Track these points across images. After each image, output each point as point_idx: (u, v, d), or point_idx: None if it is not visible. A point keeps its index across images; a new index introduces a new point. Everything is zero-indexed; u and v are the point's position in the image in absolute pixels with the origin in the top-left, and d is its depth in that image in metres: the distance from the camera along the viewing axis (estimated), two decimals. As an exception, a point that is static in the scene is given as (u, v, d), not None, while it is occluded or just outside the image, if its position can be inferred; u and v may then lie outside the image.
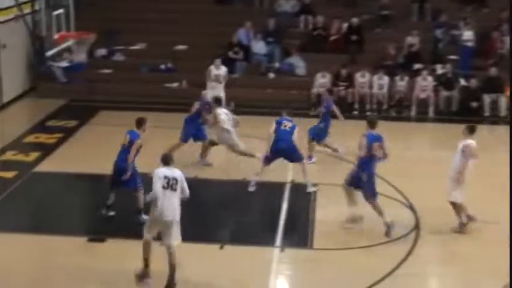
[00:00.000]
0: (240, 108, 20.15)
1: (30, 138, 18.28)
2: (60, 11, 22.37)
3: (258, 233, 13.16)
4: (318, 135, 16.70)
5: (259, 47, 22.97)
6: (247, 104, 20.65)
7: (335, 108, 17.05)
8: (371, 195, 12.76)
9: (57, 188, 15.07)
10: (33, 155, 16.87)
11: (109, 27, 23.59)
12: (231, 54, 22.52)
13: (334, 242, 12.60)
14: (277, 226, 13.25)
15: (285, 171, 15.60)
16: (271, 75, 22.55)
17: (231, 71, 21.84)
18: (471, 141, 12.60)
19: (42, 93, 22.21)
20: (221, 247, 12.37)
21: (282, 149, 14.61)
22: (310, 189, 14.72)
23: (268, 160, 14.75)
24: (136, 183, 13.08)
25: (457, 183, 12.58)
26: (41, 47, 22.32)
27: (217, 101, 16.20)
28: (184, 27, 23.84)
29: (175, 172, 10.88)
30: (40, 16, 22.28)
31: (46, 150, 17.31)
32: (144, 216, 12.51)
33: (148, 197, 11.09)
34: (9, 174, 15.65)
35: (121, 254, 11.98)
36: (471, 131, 12.79)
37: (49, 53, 21.96)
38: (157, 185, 10.75)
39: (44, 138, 18.26)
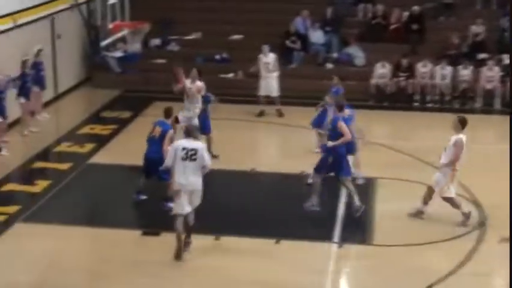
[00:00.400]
0: (296, 99, 20.11)
1: (85, 130, 18.48)
2: (116, 0, 22.54)
3: (315, 228, 13.05)
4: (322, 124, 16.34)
5: (316, 36, 22.80)
6: (304, 95, 20.48)
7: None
8: (346, 174, 13.16)
9: (112, 180, 15.20)
10: (88, 147, 17.05)
11: (163, 17, 23.69)
12: (288, 43, 22.40)
13: (395, 238, 12.44)
14: (335, 220, 13.16)
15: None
16: (329, 65, 22.36)
17: (288, 61, 21.73)
18: None
19: (97, 84, 22.45)
20: (277, 242, 12.30)
21: None
22: (360, 181, 14.60)
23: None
24: (167, 175, 12.86)
25: None
26: (95, 36, 22.55)
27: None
28: (239, 16, 23.80)
29: (194, 144, 11.43)
30: (95, 5, 22.54)
31: (101, 141, 17.50)
32: (170, 204, 12.52)
33: (162, 167, 11.87)
34: (64, 166, 15.84)
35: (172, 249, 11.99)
36: None
37: (104, 43, 22.15)
38: (171, 156, 11.39)
39: (98, 129, 18.45)
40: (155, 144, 13.27)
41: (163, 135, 13.21)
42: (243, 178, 15.19)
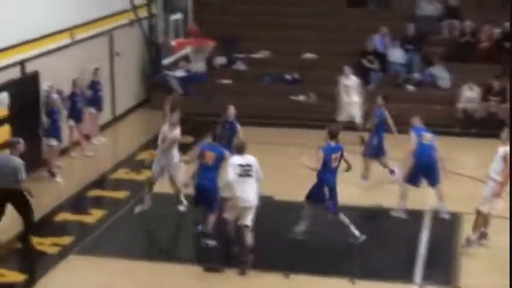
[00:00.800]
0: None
1: (144, 155, 18.71)
2: (178, 15, 22.84)
3: (393, 267, 12.96)
4: (373, 152, 16.44)
5: (396, 55, 22.71)
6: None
7: (389, 120, 16.60)
8: (334, 207, 13.44)
9: (172, 210, 15.31)
10: (146, 174, 17.21)
11: (229, 33, 23.93)
12: (365, 62, 22.38)
13: (482, 280, 12.25)
14: (416, 259, 13.02)
15: (424, 195, 15.33)
16: (410, 87, 22.22)
17: (365, 81, 21.69)
18: None
19: (157, 105, 22.65)
20: (352, 282, 12.23)
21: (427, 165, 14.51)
22: (445, 215, 14.56)
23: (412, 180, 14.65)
24: (217, 207, 13.25)
25: None
26: (156, 54, 22.80)
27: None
28: (312, 34, 23.88)
29: (248, 159, 12.57)
30: (156, 21, 22.81)
31: (160, 168, 17.63)
32: (209, 242, 13.09)
33: (221, 184, 12.95)
34: (121, 195, 16.08)
35: (240, 286, 12.02)
36: None
37: (165, 62, 22.44)
38: (231, 174, 12.43)
39: (158, 154, 18.61)
40: (208, 171, 13.25)
41: (218, 161, 13.26)
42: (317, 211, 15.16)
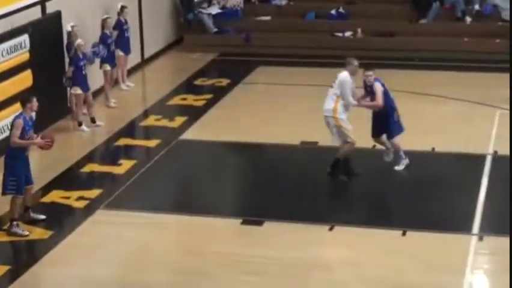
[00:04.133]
0: (427, 62, 19.94)
1: (176, 100, 18.81)
2: None
3: (450, 217, 12.94)
4: None
5: (454, -16, 22.42)
6: (437, 56, 20.25)
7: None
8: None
9: (207, 159, 15.44)
10: (179, 120, 17.35)
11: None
12: (420, -7, 22.13)
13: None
14: (475, 208, 13.00)
15: (485, 140, 15.27)
16: (469, 19, 21.97)
17: (421, 15, 21.48)
18: None
19: (189, 47, 22.73)
20: (403, 233, 12.28)
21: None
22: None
23: None
24: None
25: None
26: (188, -11, 22.84)
27: None
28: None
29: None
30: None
31: (194, 114, 17.76)
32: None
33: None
34: (152, 143, 16.21)
35: (281, 240, 12.15)
36: None
37: (198, -2, 22.44)
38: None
39: (191, 99, 18.73)
40: None
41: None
42: (362, 156, 15.16)
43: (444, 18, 22.18)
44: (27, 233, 12.48)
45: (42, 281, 11.63)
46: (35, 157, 13.36)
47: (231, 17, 23.21)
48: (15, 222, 12.50)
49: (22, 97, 13.04)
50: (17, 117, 12.55)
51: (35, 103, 12.56)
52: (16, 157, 12.47)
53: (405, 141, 15.21)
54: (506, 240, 11.77)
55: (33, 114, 12.73)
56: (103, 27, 18.17)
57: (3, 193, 12.60)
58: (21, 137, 12.33)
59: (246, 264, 11.53)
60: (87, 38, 17.44)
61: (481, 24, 21.78)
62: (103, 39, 18.01)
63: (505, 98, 16.13)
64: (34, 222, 12.82)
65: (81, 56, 16.66)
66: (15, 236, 12.42)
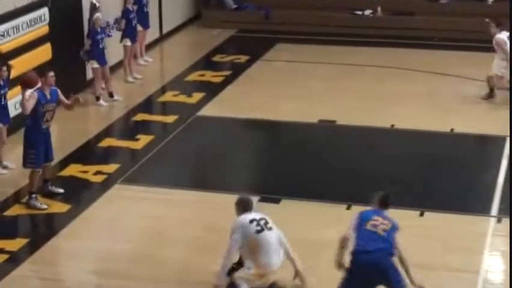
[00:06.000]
0: (446, 42, 19.89)
1: (194, 76, 18.81)
2: None
3: (468, 198, 12.97)
4: None
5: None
6: (458, 37, 20.16)
7: None
8: None
9: (224, 136, 15.47)
10: (196, 96, 17.37)
11: None
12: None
13: None
14: (494, 190, 12.99)
15: (505, 121, 15.21)
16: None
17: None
18: None
19: (208, 22, 22.71)
20: (421, 214, 12.31)
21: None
22: None
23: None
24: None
25: None
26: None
27: None
28: None
29: (257, 214, 10.29)
30: None
31: (212, 90, 17.79)
32: None
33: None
34: (170, 119, 16.25)
35: (297, 218, 12.18)
36: None
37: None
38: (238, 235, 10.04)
39: (209, 76, 18.75)
40: (381, 241, 9.59)
41: (393, 230, 9.71)
42: (380, 136, 15.16)
43: (464, -2, 22.11)
44: (45, 206, 12.57)
45: (60, 254, 11.71)
46: (53, 130, 13.39)
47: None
48: (34, 195, 12.59)
49: (38, 72, 13.04)
50: (33, 90, 12.60)
51: (50, 78, 12.58)
52: (34, 129, 12.54)
53: (424, 121, 15.25)
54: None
55: (55, 88, 12.74)
56: (125, 1, 18.16)
57: (24, 166, 12.70)
58: (37, 110, 12.40)
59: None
60: (109, 12, 17.46)
61: (503, 4, 21.63)
62: (125, 13, 18.01)
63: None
64: (52, 196, 12.91)
65: (99, 29, 16.68)
66: (34, 209, 12.52)
